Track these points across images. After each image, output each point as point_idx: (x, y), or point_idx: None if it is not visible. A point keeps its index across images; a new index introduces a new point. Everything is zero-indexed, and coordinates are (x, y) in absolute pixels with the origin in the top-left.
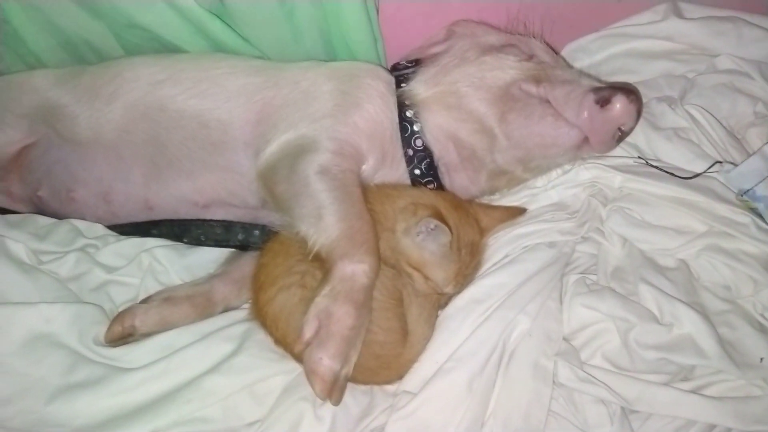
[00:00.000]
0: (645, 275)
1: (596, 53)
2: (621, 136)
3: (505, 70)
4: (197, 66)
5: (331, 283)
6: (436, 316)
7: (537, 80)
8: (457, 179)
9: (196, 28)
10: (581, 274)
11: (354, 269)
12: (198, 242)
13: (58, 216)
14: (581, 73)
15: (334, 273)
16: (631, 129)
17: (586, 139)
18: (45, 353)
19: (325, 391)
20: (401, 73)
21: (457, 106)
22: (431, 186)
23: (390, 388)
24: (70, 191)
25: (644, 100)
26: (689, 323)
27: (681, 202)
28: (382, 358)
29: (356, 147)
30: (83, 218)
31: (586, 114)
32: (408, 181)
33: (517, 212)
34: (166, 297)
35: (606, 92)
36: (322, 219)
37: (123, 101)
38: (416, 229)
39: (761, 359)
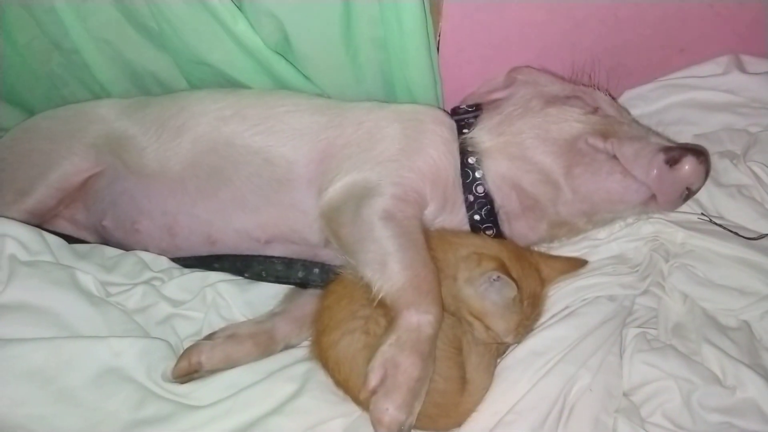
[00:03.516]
0: (708, 335)
1: (655, 102)
2: (688, 195)
3: (571, 123)
4: (262, 103)
5: (397, 332)
6: (495, 365)
7: (604, 135)
8: (517, 227)
9: (262, 67)
10: (639, 327)
11: (420, 319)
12: (259, 278)
13: (122, 245)
14: (649, 130)
15: (400, 322)
16: (699, 189)
17: (653, 197)
18: (115, 388)
19: None
20: (462, 117)
21: (522, 156)
22: (490, 232)
23: None
24: (134, 222)
25: None
26: (753, 387)
27: (745, 262)
28: (441, 407)
29: (420, 192)
30: (146, 249)
31: (655, 173)
32: (467, 227)
33: (579, 264)
34: (230, 334)
35: (676, 153)
36: (387, 266)
37: (191, 135)
38: (480, 280)
39: None
